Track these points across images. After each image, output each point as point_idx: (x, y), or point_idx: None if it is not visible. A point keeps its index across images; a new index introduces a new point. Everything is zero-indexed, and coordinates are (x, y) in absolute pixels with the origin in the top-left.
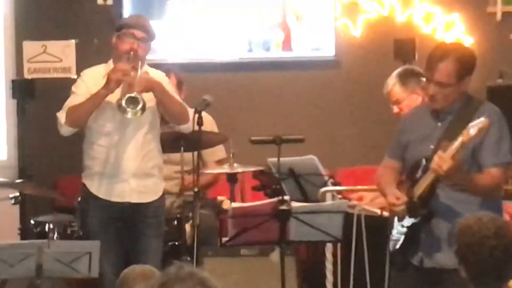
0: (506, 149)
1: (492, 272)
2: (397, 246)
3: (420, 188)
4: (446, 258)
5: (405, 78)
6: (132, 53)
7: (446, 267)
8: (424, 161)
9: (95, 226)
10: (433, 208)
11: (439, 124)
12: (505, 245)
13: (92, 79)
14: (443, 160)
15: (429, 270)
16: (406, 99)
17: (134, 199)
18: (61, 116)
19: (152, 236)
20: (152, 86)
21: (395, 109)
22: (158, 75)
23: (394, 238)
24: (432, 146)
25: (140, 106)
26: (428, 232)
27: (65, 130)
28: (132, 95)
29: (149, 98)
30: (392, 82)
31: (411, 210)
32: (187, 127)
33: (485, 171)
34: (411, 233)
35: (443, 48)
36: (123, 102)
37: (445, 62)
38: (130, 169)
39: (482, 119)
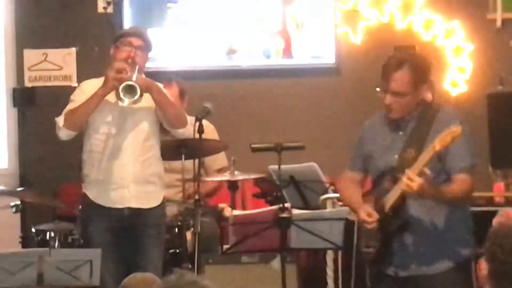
0: (471, 151)
1: None
2: (371, 259)
3: (391, 199)
4: (420, 266)
5: None
6: (130, 60)
7: (420, 274)
8: (391, 171)
9: (96, 236)
10: (405, 218)
11: (401, 133)
12: None
13: (90, 89)
14: (412, 180)
15: (405, 279)
16: None
17: (134, 204)
18: (60, 120)
19: (153, 245)
20: (149, 86)
21: None
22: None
23: (365, 251)
24: (396, 156)
25: (137, 95)
26: (401, 243)
27: (63, 133)
28: (130, 82)
29: (147, 104)
30: None
31: (384, 222)
32: (183, 131)
33: (454, 178)
34: (384, 245)
35: (397, 58)
36: (121, 90)
37: (400, 72)
38: (129, 174)
39: (453, 127)
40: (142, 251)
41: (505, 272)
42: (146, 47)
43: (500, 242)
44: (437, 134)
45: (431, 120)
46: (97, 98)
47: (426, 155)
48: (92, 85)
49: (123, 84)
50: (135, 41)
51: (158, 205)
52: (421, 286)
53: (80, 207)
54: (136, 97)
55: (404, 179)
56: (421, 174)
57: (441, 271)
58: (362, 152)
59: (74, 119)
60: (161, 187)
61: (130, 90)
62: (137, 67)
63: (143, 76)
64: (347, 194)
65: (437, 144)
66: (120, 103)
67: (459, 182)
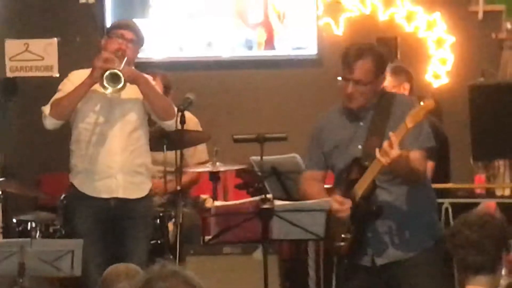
0: (426, 135)
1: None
2: (344, 251)
3: (362, 187)
4: (396, 251)
5: (398, 71)
6: (120, 52)
7: (397, 259)
8: (356, 162)
9: (80, 226)
10: (377, 206)
11: (361, 123)
12: (480, 238)
13: (79, 80)
14: (389, 149)
15: (382, 266)
16: (392, 89)
17: (121, 194)
18: (46, 109)
19: (138, 238)
20: (136, 78)
21: None
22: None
23: (337, 244)
24: (360, 146)
25: (121, 84)
26: (374, 231)
27: (49, 122)
28: (115, 71)
29: (135, 95)
30: None
31: (357, 211)
32: (172, 123)
33: (413, 153)
34: (358, 235)
35: (359, 48)
36: (105, 79)
37: (362, 60)
38: (117, 164)
39: (426, 101)
40: (127, 243)
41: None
42: (138, 40)
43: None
44: (398, 119)
45: (388, 106)
46: (84, 87)
47: (398, 134)
48: (80, 76)
49: (107, 72)
50: (127, 34)
51: (145, 196)
52: (397, 271)
53: (63, 197)
54: (120, 85)
55: (381, 149)
56: (397, 145)
57: (416, 255)
58: (320, 150)
59: (60, 108)
60: (148, 178)
61: (114, 78)
62: (125, 58)
63: (132, 68)
64: (310, 192)
65: (409, 121)
66: (103, 90)
67: (415, 159)
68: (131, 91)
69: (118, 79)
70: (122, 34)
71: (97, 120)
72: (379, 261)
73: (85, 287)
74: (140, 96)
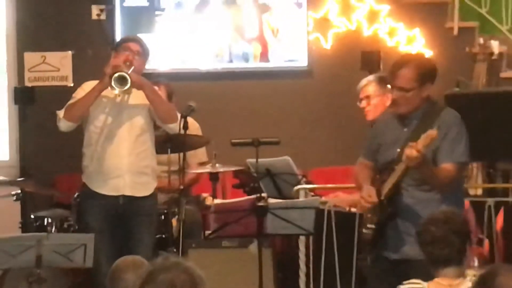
0: (461, 151)
1: (440, 260)
2: (369, 240)
3: (387, 187)
4: (411, 250)
5: (382, 81)
6: (128, 62)
7: (411, 258)
8: (391, 163)
9: (93, 223)
10: (398, 207)
11: (405, 129)
12: (444, 234)
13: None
14: (414, 150)
15: (397, 261)
16: (376, 98)
17: (128, 192)
18: (60, 112)
19: (144, 233)
20: (142, 84)
21: (363, 104)
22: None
23: (365, 232)
24: (398, 150)
25: (128, 85)
26: (394, 228)
27: (63, 124)
28: (123, 73)
29: (142, 101)
30: (369, 80)
31: (379, 209)
32: (174, 126)
33: (441, 166)
34: (379, 229)
35: (405, 57)
36: (113, 78)
37: (405, 69)
38: (125, 165)
39: (430, 131)
40: (134, 237)
41: (433, 261)
42: (144, 52)
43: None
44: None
45: (433, 119)
46: (95, 92)
47: (422, 139)
48: (92, 86)
49: (116, 74)
50: (134, 46)
51: (150, 195)
52: (409, 270)
53: (76, 195)
54: (126, 87)
55: (407, 149)
56: (421, 149)
57: None
58: (373, 144)
59: (73, 111)
60: (154, 179)
61: (121, 80)
62: (132, 67)
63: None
64: (358, 175)
65: (421, 141)
66: (111, 91)
67: (444, 169)
68: (138, 97)
69: (125, 81)
70: (129, 46)
71: (105, 123)
72: (393, 256)
73: (96, 277)
74: (146, 102)
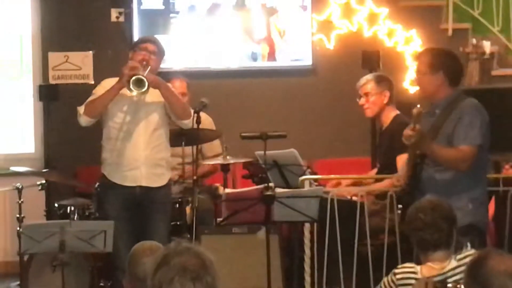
0: (474, 134)
1: (431, 244)
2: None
3: (405, 171)
4: None
5: (380, 79)
6: (144, 62)
7: None
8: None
9: (112, 211)
10: (417, 187)
11: (431, 118)
12: (434, 220)
13: (110, 86)
14: (408, 129)
15: None
16: (374, 96)
17: (144, 183)
18: (81, 108)
19: (159, 220)
20: (158, 83)
21: (362, 101)
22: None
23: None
24: None
25: (144, 88)
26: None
27: (83, 119)
28: (140, 76)
29: (158, 99)
30: (368, 78)
31: (403, 192)
32: (188, 122)
33: (457, 148)
34: (404, 211)
35: (429, 47)
36: (131, 81)
37: (424, 55)
38: (141, 158)
39: (414, 109)
40: (151, 224)
41: (422, 246)
42: (159, 52)
43: (409, 229)
44: (453, 120)
45: (452, 109)
46: (114, 91)
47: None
48: (111, 83)
49: (134, 77)
50: (150, 47)
51: (165, 185)
52: None
53: (96, 185)
54: (144, 89)
55: (404, 132)
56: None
57: None
58: None
59: (93, 108)
60: (168, 170)
61: (139, 83)
62: (149, 67)
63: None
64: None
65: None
66: (129, 93)
67: (459, 150)
68: (154, 95)
69: (142, 83)
70: (146, 47)
71: (124, 120)
72: None
73: (115, 261)
74: (162, 99)
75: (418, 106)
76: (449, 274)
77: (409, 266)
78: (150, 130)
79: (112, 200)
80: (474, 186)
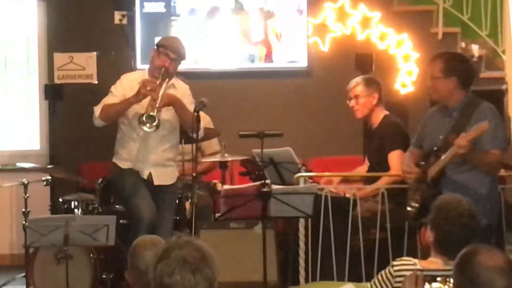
0: (501, 138)
1: (456, 243)
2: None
3: (434, 170)
4: None
5: (369, 82)
6: (163, 69)
7: None
8: (436, 149)
9: (129, 186)
10: (441, 188)
11: (447, 119)
12: (473, 226)
13: (128, 83)
14: (464, 140)
15: None
16: (364, 98)
17: (156, 182)
18: (97, 110)
19: (167, 210)
20: (172, 102)
21: (352, 103)
22: (183, 87)
23: (408, 209)
24: (441, 137)
25: (155, 123)
26: None
27: (98, 122)
28: (152, 113)
29: (171, 112)
30: (357, 81)
31: (424, 189)
32: (199, 134)
33: (489, 151)
34: (422, 208)
35: (441, 52)
36: (144, 118)
37: (437, 60)
38: (151, 159)
39: (480, 123)
40: (159, 212)
41: (447, 239)
42: (179, 58)
43: (444, 215)
44: (475, 123)
45: (472, 111)
46: (129, 104)
47: (469, 135)
48: (129, 78)
49: (147, 114)
50: (172, 55)
51: (174, 182)
52: None
53: (100, 180)
54: (154, 127)
55: (458, 139)
56: (471, 139)
57: None
58: (420, 133)
59: (108, 115)
60: (175, 168)
61: (151, 119)
62: (167, 80)
63: (174, 81)
64: (404, 161)
65: (480, 127)
66: (141, 126)
67: (492, 154)
68: (168, 109)
69: (154, 120)
70: (168, 54)
71: (139, 128)
72: None
73: (136, 227)
74: (173, 112)
75: (487, 122)
76: (450, 273)
77: (407, 259)
78: (161, 134)
79: (126, 178)
80: (490, 186)
